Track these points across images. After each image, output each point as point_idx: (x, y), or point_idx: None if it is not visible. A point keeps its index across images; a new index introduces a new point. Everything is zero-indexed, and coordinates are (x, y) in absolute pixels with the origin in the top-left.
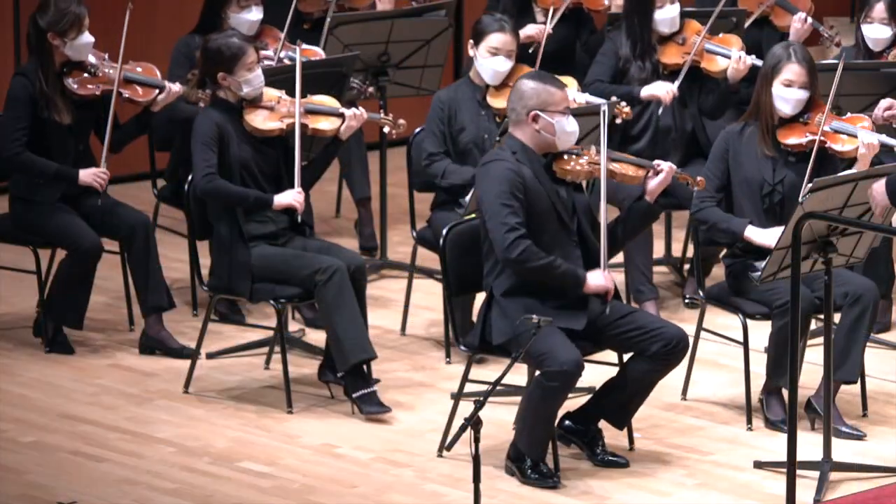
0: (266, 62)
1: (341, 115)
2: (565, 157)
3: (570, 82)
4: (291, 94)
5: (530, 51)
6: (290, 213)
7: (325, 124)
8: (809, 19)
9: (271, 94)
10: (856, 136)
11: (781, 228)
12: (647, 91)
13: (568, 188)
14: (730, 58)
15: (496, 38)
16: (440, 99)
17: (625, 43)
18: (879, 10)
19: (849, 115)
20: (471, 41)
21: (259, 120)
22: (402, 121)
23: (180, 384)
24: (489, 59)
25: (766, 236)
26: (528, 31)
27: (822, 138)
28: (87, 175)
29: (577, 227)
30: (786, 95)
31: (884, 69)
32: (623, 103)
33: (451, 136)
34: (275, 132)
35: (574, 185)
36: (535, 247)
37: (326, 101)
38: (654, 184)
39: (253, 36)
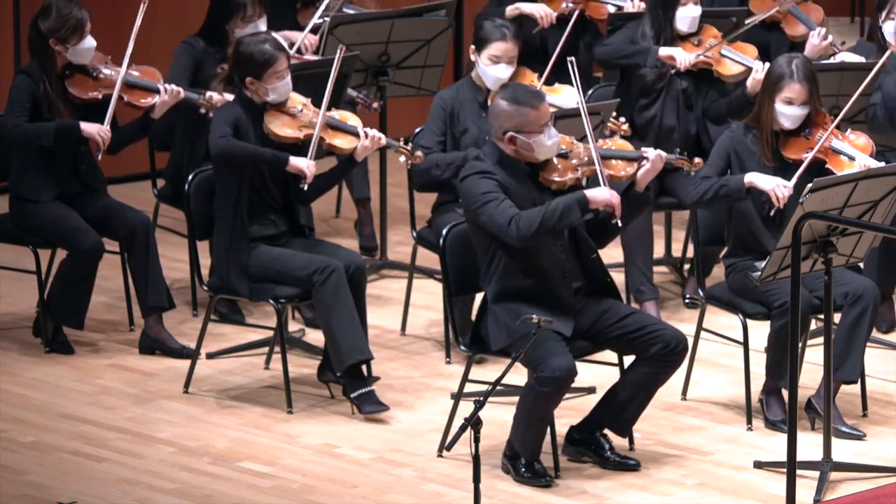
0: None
1: (357, 135)
2: (551, 163)
3: (570, 93)
4: (316, 102)
5: (534, 31)
6: (290, 217)
7: (343, 142)
8: (830, 37)
9: (296, 99)
10: (855, 159)
11: (782, 181)
12: (665, 51)
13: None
14: (744, 65)
15: (497, 47)
16: (442, 98)
17: (648, 33)
18: None
19: (849, 131)
20: (472, 46)
21: (279, 125)
22: (418, 152)
23: (180, 384)
24: (490, 66)
25: (767, 180)
26: (533, 9)
27: (821, 157)
28: (90, 127)
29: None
30: (786, 112)
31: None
32: (622, 119)
33: (452, 137)
34: (291, 140)
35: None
36: (526, 212)
37: (349, 117)
38: (642, 173)
39: None
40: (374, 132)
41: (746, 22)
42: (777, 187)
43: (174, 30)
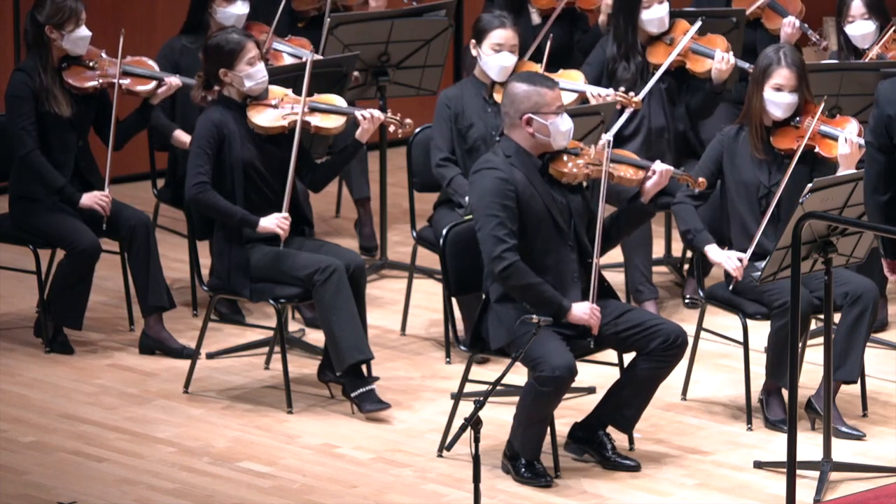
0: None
1: (348, 115)
2: (563, 157)
3: (578, 76)
4: (297, 91)
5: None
6: (291, 216)
7: (329, 122)
8: (797, 23)
9: (276, 91)
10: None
11: (735, 253)
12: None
13: (563, 190)
14: (713, 58)
15: (498, 35)
16: (446, 97)
17: (611, 44)
18: (857, 6)
19: (838, 117)
20: (472, 41)
21: (262, 118)
22: (408, 120)
23: (180, 384)
24: (493, 55)
25: (719, 255)
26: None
27: (811, 143)
28: (88, 199)
29: (573, 230)
30: (776, 100)
31: (883, 69)
32: (631, 93)
33: (459, 134)
34: (277, 129)
35: (570, 186)
36: (523, 265)
37: (332, 99)
38: (649, 185)
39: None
40: (370, 111)
41: (711, 9)
42: (727, 260)
43: (174, 30)
